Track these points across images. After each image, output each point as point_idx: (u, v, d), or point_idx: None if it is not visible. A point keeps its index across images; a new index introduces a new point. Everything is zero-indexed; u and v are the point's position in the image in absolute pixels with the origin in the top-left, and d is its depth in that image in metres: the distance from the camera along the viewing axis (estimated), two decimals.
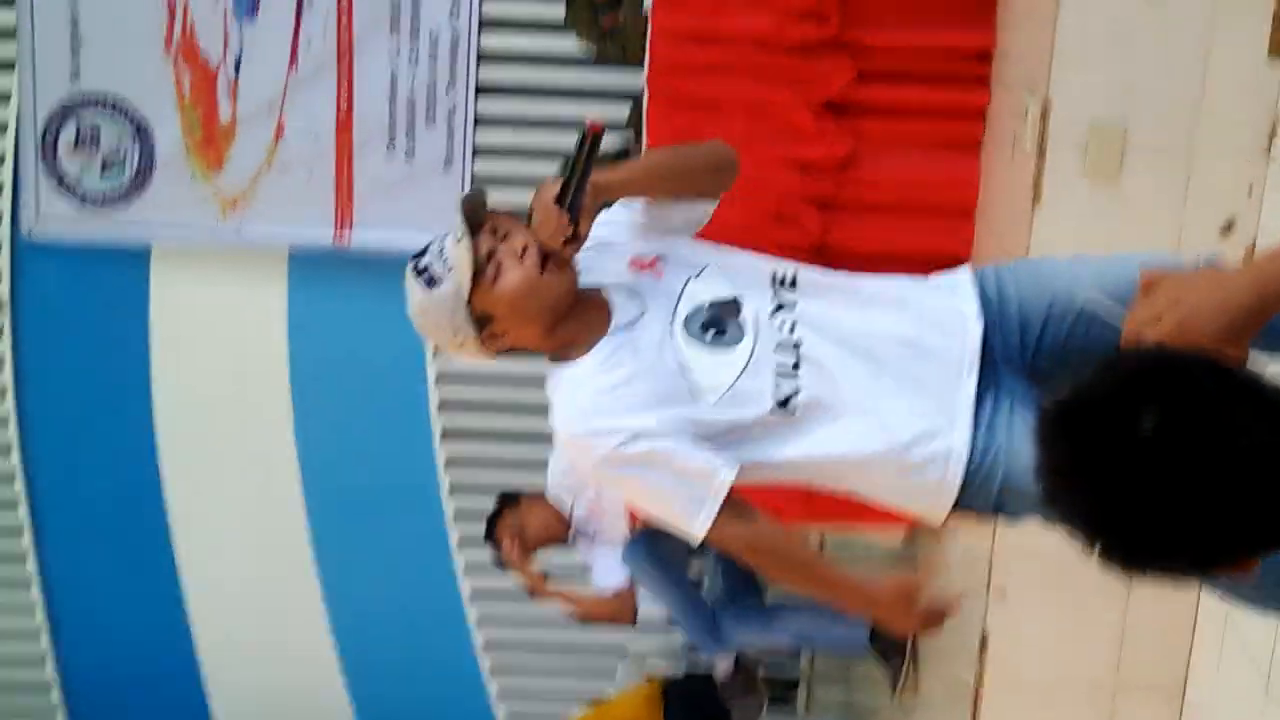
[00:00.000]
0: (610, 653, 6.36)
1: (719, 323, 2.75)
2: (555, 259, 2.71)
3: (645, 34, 4.72)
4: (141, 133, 5.94)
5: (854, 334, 2.74)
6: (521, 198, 5.36)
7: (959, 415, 2.72)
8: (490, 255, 2.71)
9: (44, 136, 5.94)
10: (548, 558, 5.52)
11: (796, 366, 2.72)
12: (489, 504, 5.60)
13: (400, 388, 6.30)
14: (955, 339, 2.76)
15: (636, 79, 4.93)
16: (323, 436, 6.38)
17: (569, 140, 5.74)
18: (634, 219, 2.87)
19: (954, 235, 4.63)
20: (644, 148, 4.72)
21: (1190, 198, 3.97)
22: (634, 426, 2.64)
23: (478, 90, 5.86)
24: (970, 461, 2.71)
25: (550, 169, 5.31)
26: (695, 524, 2.69)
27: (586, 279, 2.79)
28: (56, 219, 6.04)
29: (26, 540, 6.48)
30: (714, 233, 4.56)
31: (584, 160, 2.65)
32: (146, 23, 5.80)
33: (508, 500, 5.49)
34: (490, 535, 5.44)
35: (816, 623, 5.26)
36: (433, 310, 2.74)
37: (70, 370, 6.32)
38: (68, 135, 5.94)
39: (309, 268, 6.14)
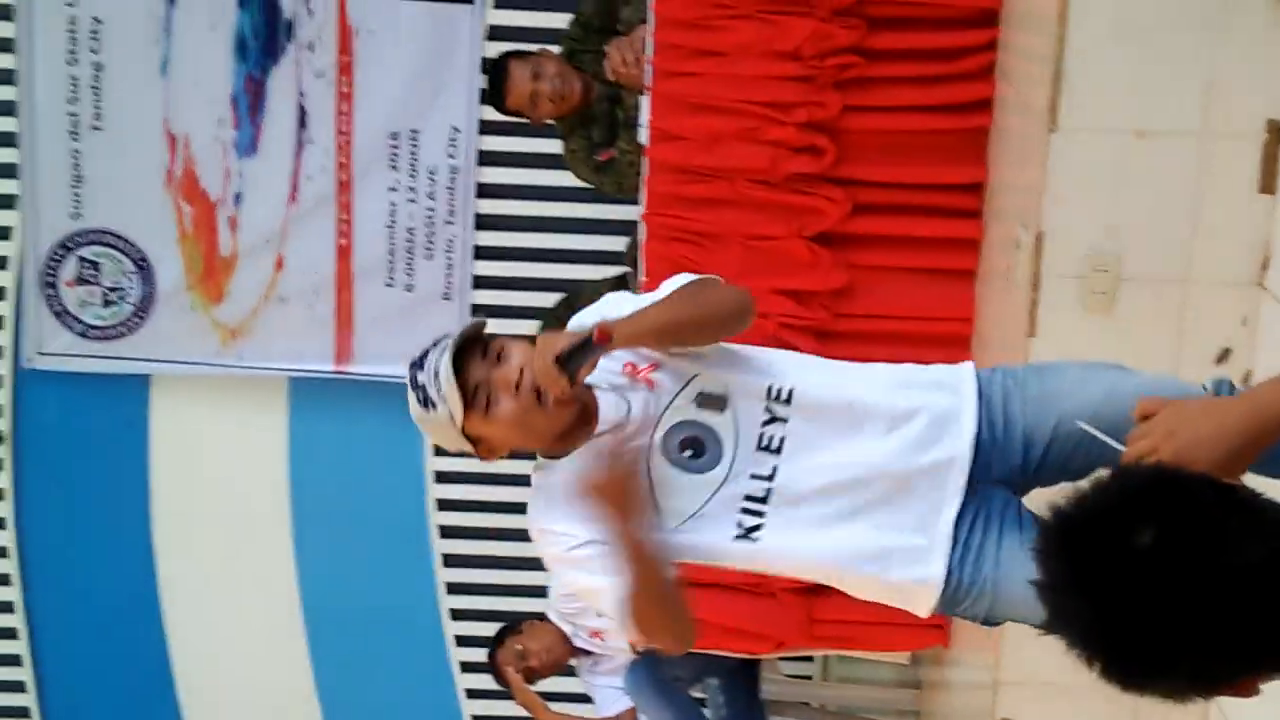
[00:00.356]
0: None
1: (697, 443, 2.79)
2: (546, 399, 2.74)
3: (640, 169, 4.78)
4: (142, 267, 6.00)
5: (838, 465, 2.77)
6: (520, 328, 5.44)
7: (937, 545, 2.75)
8: (481, 386, 2.75)
9: (45, 271, 5.99)
10: (550, 683, 5.51)
11: (765, 500, 2.77)
12: (490, 629, 5.60)
13: (401, 513, 6.31)
14: (943, 472, 2.77)
15: (633, 212, 5.00)
16: (323, 562, 6.38)
17: (569, 271, 5.86)
18: None
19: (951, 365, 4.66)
20: (640, 279, 4.76)
21: (1185, 329, 4.00)
22: (583, 537, 2.72)
23: (476, 223, 5.93)
24: (957, 588, 2.75)
25: (548, 300, 5.37)
26: (632, 638, 2.81)
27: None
28: (57, 350, 6.07)
29: (28, 670, 6.46)
30: None
31: (589, 350, 2.69)
32: (147, 160, 5.87)
33: (510, 626, 5.49)
34: (493, 661, 5.43)
35: None
36: (428, 424, 2.80)
37: (70, 499, 6.33)
38: (68, 270, 6.00)
39: (309, 393, 6.17)
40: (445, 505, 6.27)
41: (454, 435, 2.79)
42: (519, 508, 5.99)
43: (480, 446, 2.82)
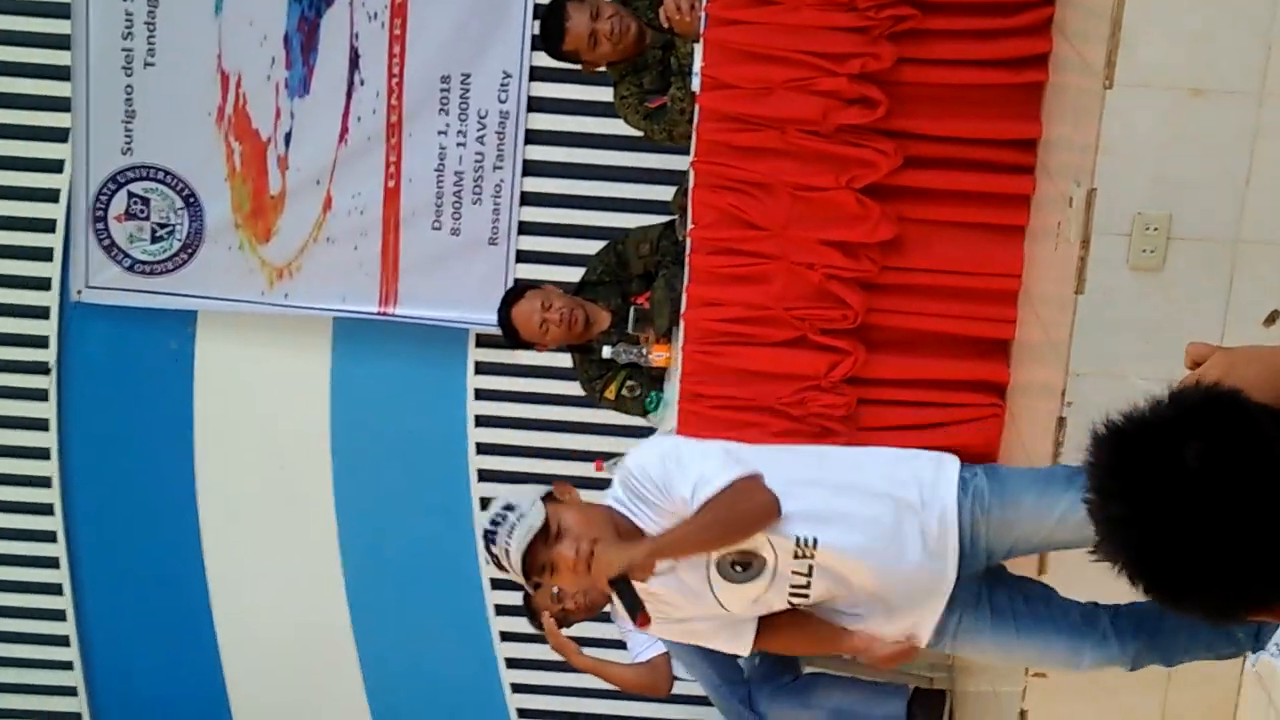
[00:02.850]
0: None
1: (745, 563, 3.29)
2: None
3: (692, 117, 4.78)
4: (191, 204, 6.03)
5: (850, 590, 3.35)
6: (565, 275, 5.47)
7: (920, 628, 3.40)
8: (546, 567, 3.29)
9: (95, 205, 6.03)
10: (584, 629, 5.54)
11: (807, 590, 3.34)
12: None
13: (441, 455, 6.35)
14: (935, 583, 3.36)
15: (681, 161, 5.00)
16: (361, 501, 6.44)
17: (614, 220, 5.88)
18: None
19: (996, 321, 4.66)
20: (690, 225, 4.77)
21: (1234, 290, 3.99)
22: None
23: (524, 169, 5.94)
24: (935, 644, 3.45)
25: (594, 247, 5.38)
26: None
27: (628, 522, 3.32)
28: (105, 284, 6.12)
29: (68, 598, 6.53)
30: (759, 305, 4.63)
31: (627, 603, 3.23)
32: (199, 97, 5.91)
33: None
34: (528, 604, 5.46)
35: (853, 699, 5.25)
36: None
37: (114, 432, 6.40)
38: (118, 204, 6.04)
39: (353, 334, 6.21)
40: (484, 449, 6.31)
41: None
42: (557, 453, 6.13)
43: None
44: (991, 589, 3.42)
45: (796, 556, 3.28)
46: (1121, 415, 1.77)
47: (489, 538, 3.29)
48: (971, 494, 3.34)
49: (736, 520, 3.28)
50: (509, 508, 3.31)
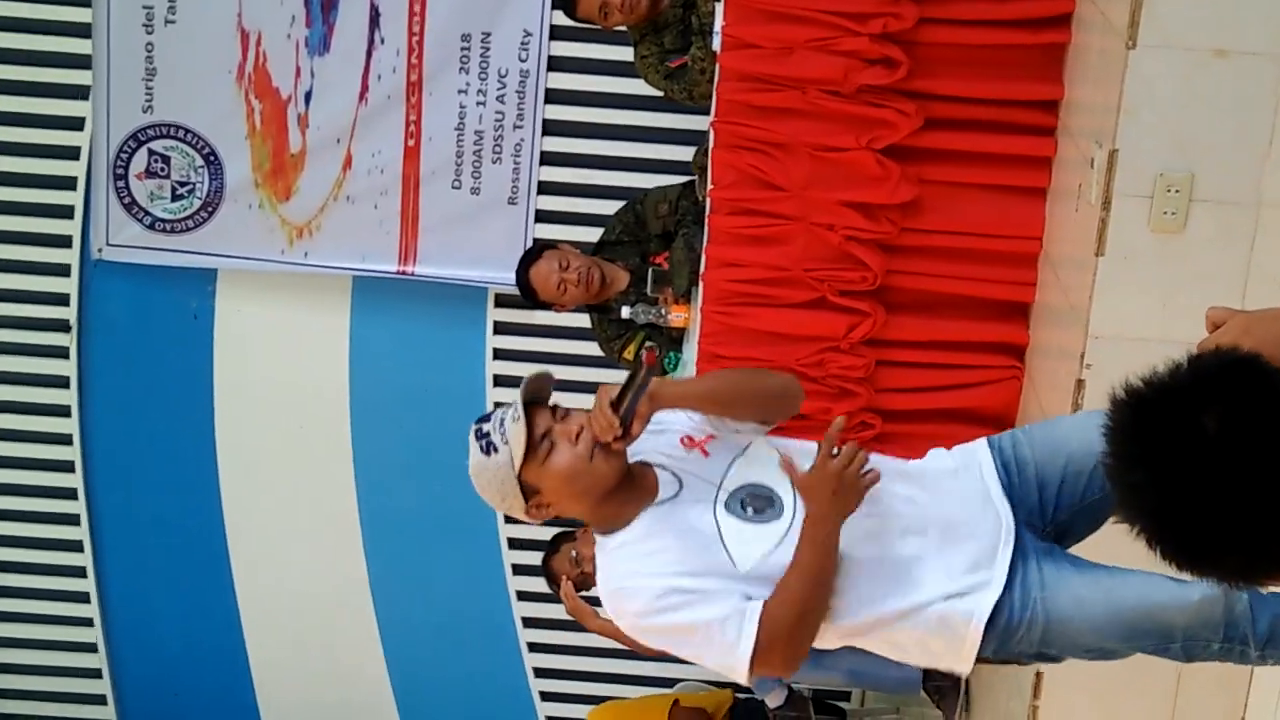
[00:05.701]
0: (661, 684, 6.39)
1: (759, 501, 2.96)
2: (606, 447, 2.92)
3: (712, 76, 4.77)
4: (211, 162, 6.04)
5: (892, 511, 2.95)
6: (584, 235, 5.46)
7: (993, 580, 2.91)
8: (545, 434, 2.91)
9: (115, 163, 6.04)
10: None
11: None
12: (544, 533, 5.64)
13: (459, 416, 6.31)
14: (988, 517, 2.97)
15: (701, 121, 4.99)
16: (380, 461, 6.45)
17: (633, 180, 5.87)
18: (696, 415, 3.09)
19: (1017, 282, 4.65)
20: (710, 186, 4.76)
21: (1255, 252, 3.98)
22: (665, 585, 2.85)
23: (544, 129, 5.93)
24: (1010, 619, 2.90)
25: (613, 207, 5.38)
26: (737, 671, 2.86)
27: (635, 454, 3.00)
28: (125, 242, 6.14)
29: (88, 555, 6.57)
30: (779, 266, 4.62)
31: (640, 384, 2.87)
32: (219, 55, 5.90)
33: (566, 532, 5.53)
34: (547, 566, 5.48)
35: (870, 661, 5.26)
36: (486, 473, 2.93)
37: (135, 390, 6.42)
38: (139, 162, 6.04)
39: (372, 293, 6.22)
40: (504, 407, 6.29)
41: (510, 484, 2.91)
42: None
43: (532, 502, 2.95)
44: (1063, 549, 3.06)
45: None
46: (1140, 380, 1.77)
47: (480, 423, 2.97)
48: (1001, 435, 3.15)
49: (749, 376, 3.16)
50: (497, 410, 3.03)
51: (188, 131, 6.01)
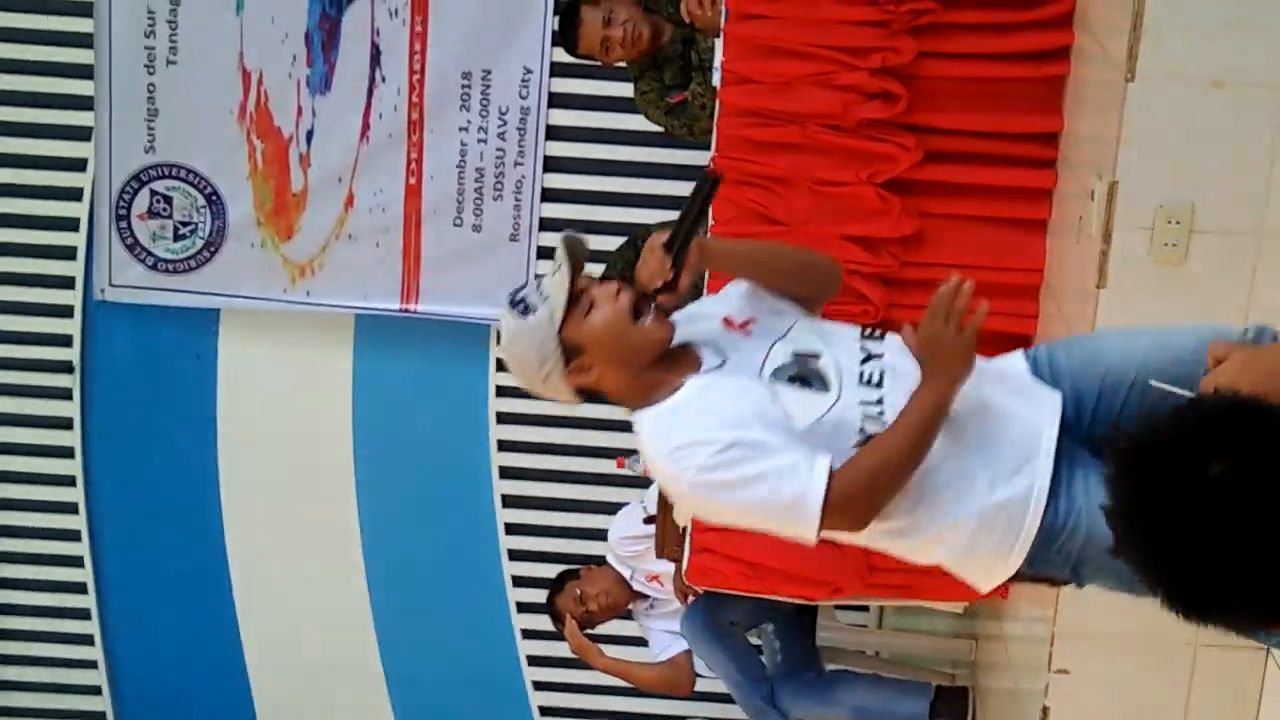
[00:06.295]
0: None
1: (805, 376, 2.83)
2: (648, 307, 2.81)
3: (712, 112, 4.78)
4: (214, 201, 6.05)
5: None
6: (586, 270, 5.45)
7: (1041, 460, 2.78)
8: (585, 292, 2.82)
9: (118, 203, 6.05)
10: (606, 626, 5.55)
11: (880, 406, 2.80)
12: (548, 571, 5.64)
13: (463, 453, 6.36)
14: (1034, 402, 2.85)
15: (702, 157, 4.99)
16: (384, 499, 6.45)
17: (635, 216, 5.87)
18: (739, 294, 2.98)
19: (1019, 315, 4.64)
20: (710, 224, 4.76)
21: (1257, 284, 3.97)
22: (727, 438, 2.71)
23: (545, 165, 5.95)
24: (1053, 521, 2.77)
25: (614, 243, 5.38)
26: (805, 527, 2.72)
27: (678, 336, 2.87)
28: (128, 283, 6.14)
29: (92, 597, 6.56)
30: None
31: (700, 203, 2.76)
32: (221, 95, 5.92)
33: (570, 570, 5.53)
34: (551, 605, 5.47)
35: (876, 696, 5.25)
36: (524, 338, 2.82)
37: (138, 431, 6.42)
38: (141, 203, 6.06)
39: (375, 331, 6.22)
40: (506, 446, 6.31)
41: (550, 344, 2.79)
42: (579, 450, 6.13)
43: (574, 363, 2.82)
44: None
45: (864, 360, 2.86)
46: (1141, 428, 1.75)
47: (515, 291, 2.86)
48: (1038, 347, 3.04)
49: (793, 246, 3.16)
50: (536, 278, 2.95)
51: (190, 171, 6.03)
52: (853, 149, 4.56)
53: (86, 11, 5.87)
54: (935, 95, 4.54)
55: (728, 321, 2.93)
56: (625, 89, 5.33)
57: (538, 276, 2.86)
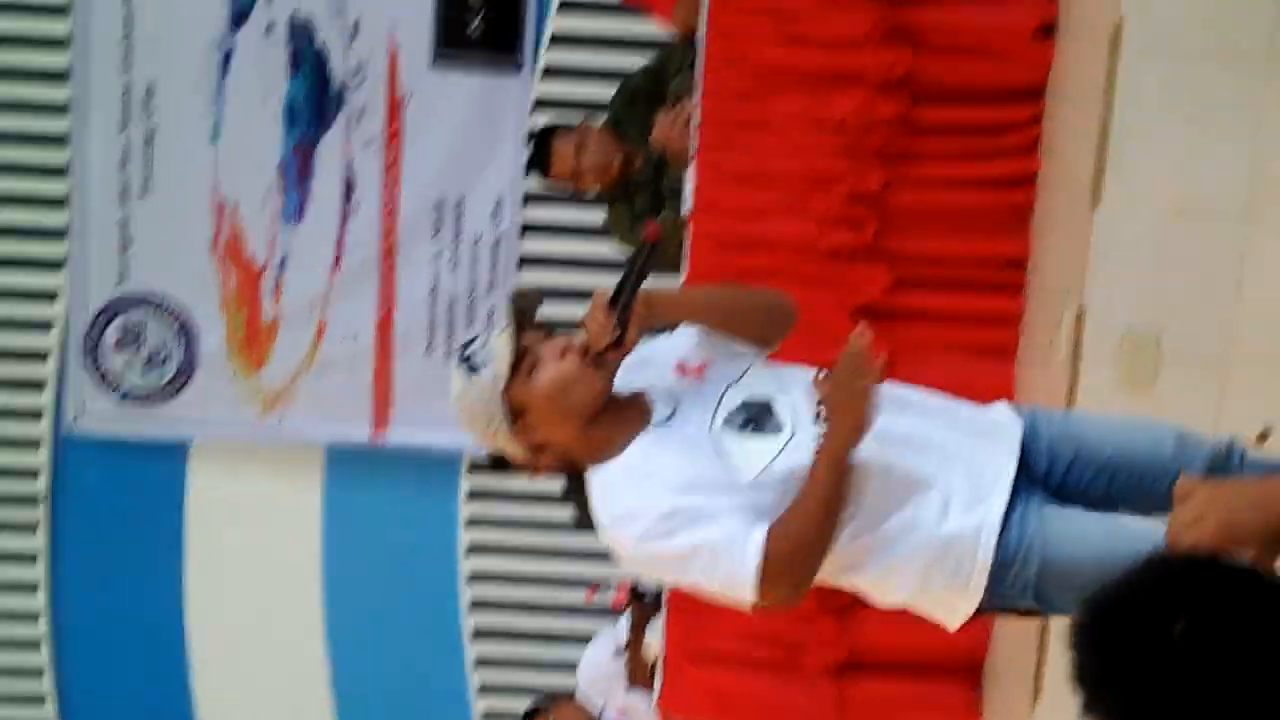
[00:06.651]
0: None
1: (758, 420, 2.82)
2: (595, 361, 2.79)
3: (683, 239, 4.81)
4: (185, 331, 6.04)
5: (893, 432, 2.80)
6: None
7: (994, 495, 2.80)
8: (530, 350, 2.80)
9: (88, 334, 6.04)
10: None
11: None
12: (518, 704, 5.56)
13: (432, 585, 6.30)
14: (994, 441, 2.87)
15: (674, 282, 5.01)
16: (353, 630, 6.38)
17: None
18: (693, 339, 2.96)
19: None
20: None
21: (1225, 408, 3.99)
22: (667, 506, 2.71)
23: None
24: (1005, 554, 2.76)
25: None
26: (743, 593, 2.71)
27: (629, 384, 2.86)
28: (98, 414, 6.12)
29: None
30: None
31: (640, 265, 2.77)
32: (194, 226, 5.94)
33: (539, 705, 5.46)
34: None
35: None
36: (470, 396, 2.81)
37: (105, 563, 6.35)
38: (112, 333, 6.05)
39: (346, 461, 6.19)
40: (476, 577, 6.26)
41: (495, 404, 2.77)
42: (550, 580, 6.07)
43: (519, 423, 2.80)
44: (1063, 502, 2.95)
45: (820, 401, 2.78)
46: (1100, 590, 1.75)
47: (464, 347, 2.85)
48: (1019, 405, 3.07)
49: (742, 289, 3.03)
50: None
51: (161, 302, 6.03)
52: (823, 275, 4.59)
53: (61, 143, 5.90)
54: (905, 222, 4.59)
55: (682, 367, 2.92)
56: (597, 216, 5.36)
57: (488, 330, 2.86)
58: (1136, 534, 2.73)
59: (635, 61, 5.32)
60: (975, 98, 4.49)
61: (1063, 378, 4.08)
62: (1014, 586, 2.80)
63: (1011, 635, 4.58)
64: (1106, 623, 1.71)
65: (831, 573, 2.83)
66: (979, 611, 2.86)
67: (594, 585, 5.44)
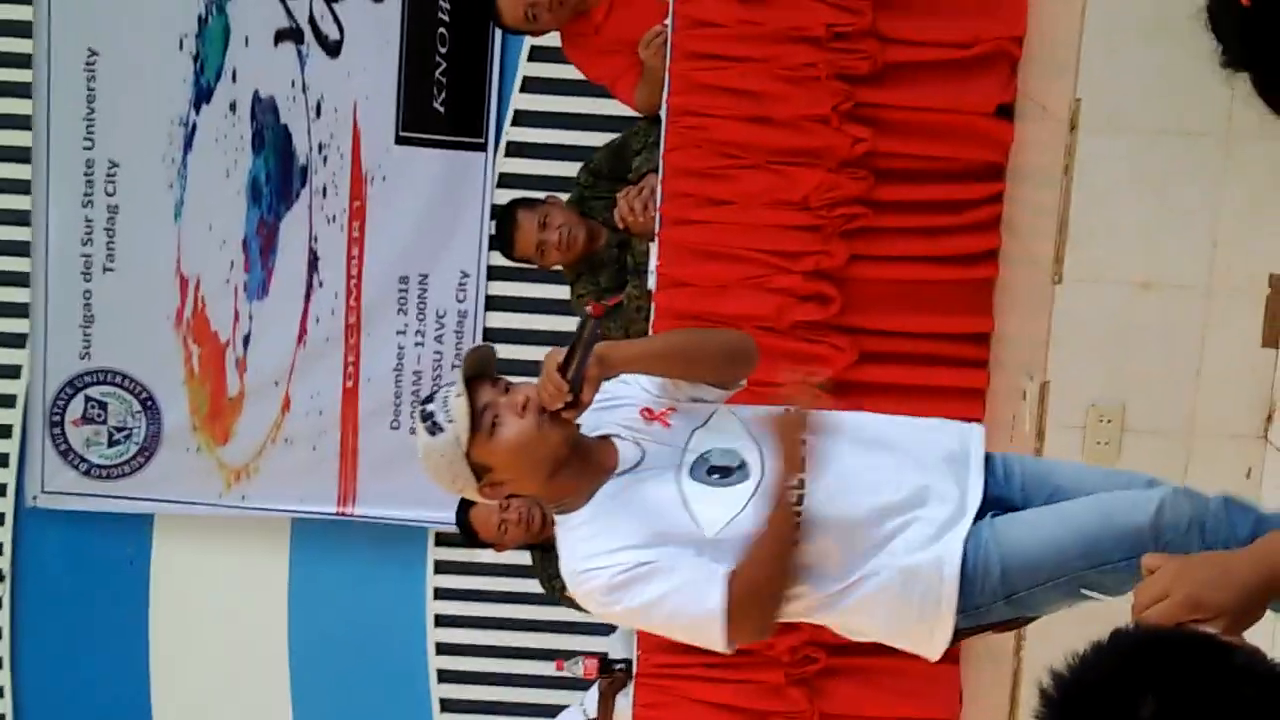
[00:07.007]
0: None
1: (724, 466, 2.86)
2: (553, 418, 2.81)
3: (648, 315, 4.82)
4: (149, 407, 6.02)
5: (858, 472, 2.86)
6: None
7: (957, 525, 2.84)
8: (489, 408, 2.81)
9: (52, 410, 6.02)
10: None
11: (800, 489, 2.79)
12: None
13: (400, 658, 6.27)
14: (961, 468, 2.94)
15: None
16: (320, 704, 6.34)
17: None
18: (654, 387, 2.99)
19: None
20: None
21: (1189, 481, 3.99)
22: (627, 560, 2.77)
23: None
24: (965, 564, 2.81)
25: None
26: (713, 637, 2.76)
27: (597, 424, 2.90)
28: (61, 489, 6.09)
29: None
30: None
31: (586, 341, 2.78)
32: (158, 301, 5.94)
33: None
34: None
35: None
36: (434, 456, 2.85)
37: (69, 639, 6.30)
38: (75, 409, 6.03)
39: (312, 535, 6.17)
40: (444, 649, 6.24)
41: (459, 464, 2.81)
42: (518, 652, 6.05)
43: (485, 480, 2.84)
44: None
45: None
46: (1066, 668, 1.75)
47: (425, 403, 2.89)
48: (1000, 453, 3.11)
49: (700, 334, 3.12)
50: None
51: (125, 377, 6.01)
52: (787, 350, 4.60)
53: (23, 220, 5.89)
54: (868, 297, 4.61)
55: (647, 413, 2.94)
56: (562, 291, 5.37)
57: (446, 386, 2.88)
58: (1082, 511, 2.83)
59: (598, 139, 5.34)
60: (936, 176, 4.52)
61: (1028, 451, 4.10)
62: (984, 594, 2.84)
63: (981, 700, 4.59)
64: (1074, 703, 1.71)
65: (802, 612, 2.88)
66: (958, 635, 2.89)
67: (563, 657, 5.41)
